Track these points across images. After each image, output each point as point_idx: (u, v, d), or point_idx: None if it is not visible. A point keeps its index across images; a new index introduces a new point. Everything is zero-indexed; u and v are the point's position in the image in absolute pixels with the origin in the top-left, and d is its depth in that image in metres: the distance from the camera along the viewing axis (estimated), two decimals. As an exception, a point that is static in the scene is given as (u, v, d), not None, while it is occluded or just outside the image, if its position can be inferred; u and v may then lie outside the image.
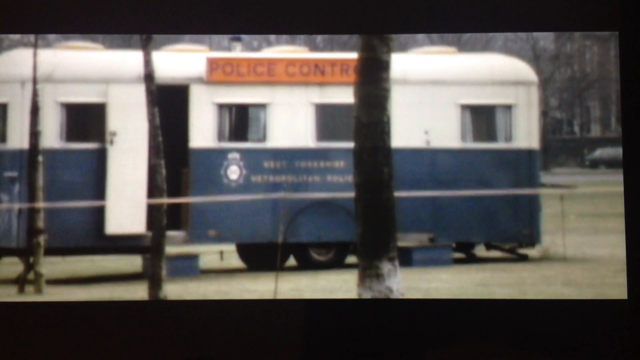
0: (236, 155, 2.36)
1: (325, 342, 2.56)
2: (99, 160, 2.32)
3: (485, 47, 2.30)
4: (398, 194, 2.14)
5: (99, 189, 2.32)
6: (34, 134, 2.29)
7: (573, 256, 2.46)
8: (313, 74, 2.38)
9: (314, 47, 2.43)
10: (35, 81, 2.31)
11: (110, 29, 2.62)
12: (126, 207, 2.33)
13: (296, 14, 2.54)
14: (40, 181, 2.28)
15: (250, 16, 2.56)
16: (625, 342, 2.51)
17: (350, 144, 2.15)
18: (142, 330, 2.51)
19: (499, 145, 2.49)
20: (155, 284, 2.21)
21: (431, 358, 2.56)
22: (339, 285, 2.34)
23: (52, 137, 2.36)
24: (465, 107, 2.46)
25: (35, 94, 2.33)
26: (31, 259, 2.38)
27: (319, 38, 2.40)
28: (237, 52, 2.34)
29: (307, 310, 2.63)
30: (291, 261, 2.47)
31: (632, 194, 2.52)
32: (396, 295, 2.41)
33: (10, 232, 2.34)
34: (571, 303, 2.65)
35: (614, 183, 2.37)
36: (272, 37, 2.43)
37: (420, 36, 2.46)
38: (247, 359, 2.49)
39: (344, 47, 2.39)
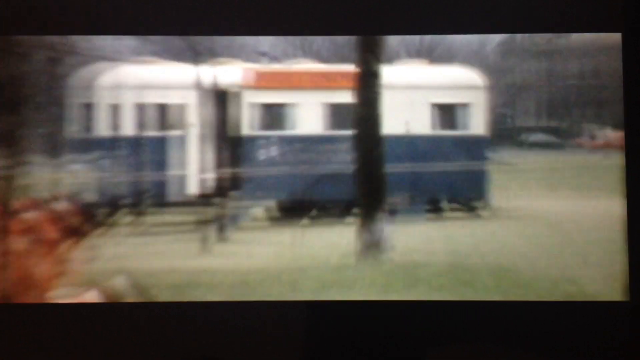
0: (275, 139, 3.05)
1: (325, 344, 2.69)
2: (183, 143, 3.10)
3: (450, 60, 3.04)
4: (387, 167, 2.80)
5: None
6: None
7: (512, 214, 3.03)
8: (325, 82, 3.08)
9: (324, 60, 3.01)
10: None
11: (112, 30, 2.68)
12: (195, 177, 3.10)
13: (294, 15, 2.67)
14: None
15: (255, 17, 2.67)
16: (625, 345, 2.64)
17: (350, 132, 2.79)
18: (143, 331, 2.66)
19: (459, 132, 3.19)
20: (221, 228, 2.86)
21: (431, 359, 2.69)
22: (343, 235, 2.92)
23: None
24: (434, 105, 3.17)
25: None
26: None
27: (326, 53, 3.14)
28: (270, 65, 3.10)
29: (307, 311, 2.73)
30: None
31: (633, 198, 2.66)
32: (385, 246, 2.87)
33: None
34: (571, 304, 2.75)
35: (544, 161, 3.09)
36: (290, 51, 3.02)
37: (402, 51, 3.06)
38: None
39: (346, 60, 3.10)
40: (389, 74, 2.90)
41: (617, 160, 2.70)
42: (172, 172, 3.01)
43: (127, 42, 2.88)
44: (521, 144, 3.12)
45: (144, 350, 2.64)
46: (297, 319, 2.71)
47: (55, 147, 2.94)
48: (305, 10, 2.72)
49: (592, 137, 2.97)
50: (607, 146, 2.81)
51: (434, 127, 3.20)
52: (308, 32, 2.84)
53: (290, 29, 2.73)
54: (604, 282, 2.83)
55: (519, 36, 3.28)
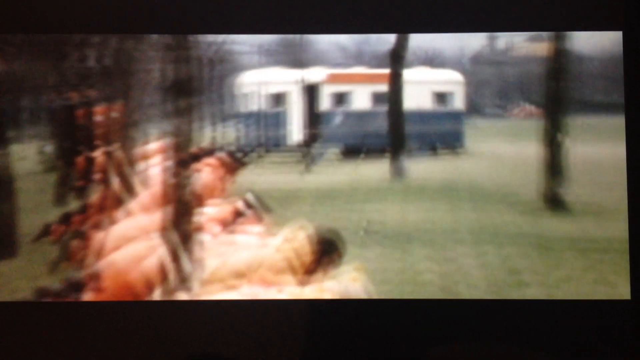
0: (340, 113, 4.17)
1: (327, 343, 2.90)
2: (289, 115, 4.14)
3: (443, 66, 4.10)
4: (406, 128, 3.97)
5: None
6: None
7: (479, 154, 4.21)
8: (370, 79, 4.12)
9: (371, 66, 4.11)
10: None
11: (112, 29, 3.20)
12: (295, 134, 4.18)
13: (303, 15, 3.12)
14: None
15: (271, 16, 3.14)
16: (628, 343, 2.80)
17: (385, 109, 3.97)
18: (144, 329, 2.85)
19: (447, 108, 4.26)
20: (310, 163, 3.97)
21: (431, 357, 2.89)
22: (381, 167, 4.03)
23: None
24: (434, 93, 4.22)
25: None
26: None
27: (372, 63, 4.00)
28: (338, 69, 4.12)
29: (309, 311, 2.94)
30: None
31: (635, 195, 2.91)
32: (405, 173, 4.04)
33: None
34: (573, 302, 2.97)
35: (496, 124, 4.23)
36: (351, 62, 4.08)
37: (415, 60, 4.03)
38: (250, 359, 2.85)
39: (384, 66, 4.04)
40: (408, 74, 3.99)
41: (534, 123, 3.77)
42: (283, 131, 4.18)
43: (256, 57, 4.33)
44: (484, 114, 4.20)
45: (145, 348, 2.87)
46: (299, 317, 2.93)
47: (216, 117, 4.02)
48: (310, 11, 3.14)
49: (522, 110, 4.07)
50: (529, 115, 4.05)
51: (433, 105, 4.35)
52: (310, 32, 3.50)
53: (294, 29, 3.32)
54: (535, 189, 3.72)
55: (485, 50, 4.08)
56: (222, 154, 3.96)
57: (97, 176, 3.80)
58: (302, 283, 3.42)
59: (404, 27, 3.23)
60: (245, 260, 3.49)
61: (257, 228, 3.85)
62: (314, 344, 2.93)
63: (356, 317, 2.96)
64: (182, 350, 2.91)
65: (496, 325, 2.89)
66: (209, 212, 3.71)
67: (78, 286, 3.41)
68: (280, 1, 3.09)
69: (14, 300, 3.22)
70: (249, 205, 3.77)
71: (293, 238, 3.51)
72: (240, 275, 3.45)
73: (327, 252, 3.46)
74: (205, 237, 3.56)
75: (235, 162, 4.08)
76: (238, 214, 3.78)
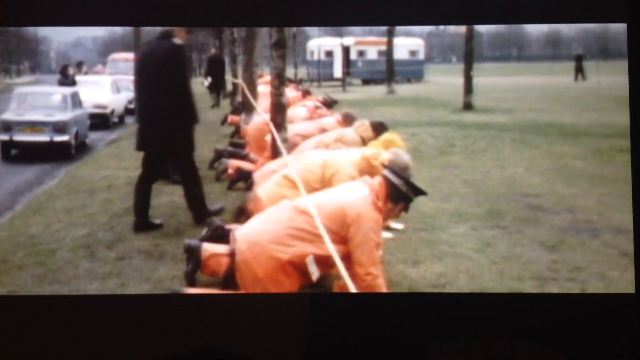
0: (361, 60, 7.59)
1: (330, 336, 2.94)
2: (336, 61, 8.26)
3: (413, 36, 8.52)
4: (396, 68, 8.04)
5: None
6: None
7: (433, 82, 7.97)
8: (377, 43, 7.57)
9: (379, 35, 8.18)
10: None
11: (111, 21, 3.40)
12: (338, 72, 8.43)
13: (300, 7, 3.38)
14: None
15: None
16: (632, 336, 2.80)
17: (384, 58, 7.99)
18: (146, 323, 2.93)
19: (418, 58, 7.74)
20: (345, 86, 7.79)
21: (436, 351, 2.88)
22: (379, 90, 8.09)
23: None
24: (409, 51, 7.65)
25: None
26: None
27: (379, 33, 8.62)
28: (362, 38, 8.41)
29: (312, 304, 3.01)
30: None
31: (638, 191, 3.04)
32: (393, 91, 8.30)
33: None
34: (578, 297, 3.14)
35: (442, 68, 8.41)
36: (367, 32, 8.65)
37: (400, 33, 8.55)
38: (252, 351, 2.85)
39: (382, 34, 8.60)
40: (396, 40, 7.33)
41: (460, 67, 8.09)
42: (331, 70, 7.80)
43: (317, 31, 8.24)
44: (434, 62, 8.34)
45: (147, 341, 2.92)
46: (301, 310, 2.96)
47: (298, 63, 8.29)
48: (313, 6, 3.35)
49: (447, 60, 8.33)
50: (457, 63, 8.47)
51: (409, 57, 7.69)
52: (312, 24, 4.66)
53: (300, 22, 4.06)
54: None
55: (434, 29, 7.61)
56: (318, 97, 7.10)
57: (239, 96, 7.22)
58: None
59: (402, 20, 3.65)
60: (333, 136, 5.14)
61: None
62: (318, 336, 2.83)
63: (358, 310, 2.90)
64: (184, 342, 2.87)
65: (500, 319, 2.84)
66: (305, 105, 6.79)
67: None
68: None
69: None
70: (325, 102, 6.58)
71: (360, 125, 5.17)
72: (327, 144, 5.03)
73: (382, 129, 5.02)
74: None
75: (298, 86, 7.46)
76: (318, 107, 6.43)
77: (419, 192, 3.79)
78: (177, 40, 4.88)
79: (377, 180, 3.80)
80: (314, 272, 3.55)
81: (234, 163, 5.52)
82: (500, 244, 4.53)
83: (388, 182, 3.76)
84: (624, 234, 4.52)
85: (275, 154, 5.39)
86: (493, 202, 5.15)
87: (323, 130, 5.56)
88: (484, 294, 3.44)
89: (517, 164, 5.88)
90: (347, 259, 3.57)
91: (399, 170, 3.77)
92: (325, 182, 4.33)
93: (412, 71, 7.44)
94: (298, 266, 3.57)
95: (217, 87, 7.29)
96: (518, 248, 4.48)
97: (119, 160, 5.83)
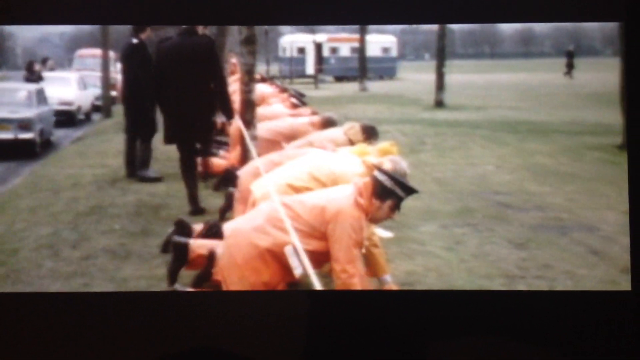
0: (333, 55, 7.43)
1: (328, 333, 2.92)
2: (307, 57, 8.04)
3: (386, 33, 8.54)
4: (368, 65, 8.29)
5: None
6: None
7: (405, 78, 7.91)
8: (351, 40, 7.34)
9: (351, 32, 8.17)
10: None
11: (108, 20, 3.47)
12: (310, 68, 8.57)
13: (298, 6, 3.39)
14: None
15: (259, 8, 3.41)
16: (629, 333, 2.82)
17: (357, 55, 8.19)
18: (146, 321, 2.90)
19: (390, 55, 7.43)
20: (317, 83, 8.30)
21: (433, 350, 2.89)
22: (353, 86, 8.47)
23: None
24: (381, 48, 7.39)
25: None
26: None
27: (351, 30, 8.62)
28: (333, 34, 8.54)
29: (310, 302, 3.01)
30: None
31: (636, 188, 2.91)
32: (367, 89, 8.60)
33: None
34: (574, 294, 3.08)
35: (415, 65, 8.77)
36: (340, 30, 8.65)
37: (373, 30, 8.60)
38: (251, 350, 2.85)
39: (354, 31, 8.50)
40: (369, 37, 7.05)
41: (432, 64, 8.17)
42: (303, 67, 7.75)
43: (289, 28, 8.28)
44: (406, 59, 8.48)
45: (145, 339, 2.90)
46: (299, 308, 2.96)
47: (269, 59, 8.31)
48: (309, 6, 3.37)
49: (420, 57, 8.41)
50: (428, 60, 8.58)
51: (381, 54, 7.37)
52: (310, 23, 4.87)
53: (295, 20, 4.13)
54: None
55: (406, 26, 8.43)
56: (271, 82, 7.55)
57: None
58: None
59: (373, 20, 3.81)
60: (321, 137, 5.10)
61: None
62: (316, 334, 2.81)
63: (357, 308, 2.90)
64: (183, 341, 2.86)
65: (496, 317, 2.83)
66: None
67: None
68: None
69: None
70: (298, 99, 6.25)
71: (350, 128, 5.08)
72: (313, 143, 4.98)
73: (372, 134, 5.02)
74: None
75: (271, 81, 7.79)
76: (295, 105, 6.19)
77: (408, 189, 3.83)
78: (205, 36, 5.11)
79: (365, 180, 3.88)
80: (296, 267, 3.58)
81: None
82: (470, 241, 4.60)
83: (374, 180, 3.82)
84: (593, 231, 4.62)
85: (244, 151, 5.33)
86: (463, 200, 5.14)
87: (300, 129, 5.58)
88: (480, 291, 3.45)
89: (488, 162, 5.91)
90: (328, 255, 3.63)
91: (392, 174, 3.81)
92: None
93: (385, 68, 7.38)
94: (277, 256, 3.63)
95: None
96: (487, 246, 4.54)
97: (84, 158, 5.80)
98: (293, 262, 3.58)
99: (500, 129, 6.67)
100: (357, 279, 3.56)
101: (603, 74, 6.66)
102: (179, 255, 3.87)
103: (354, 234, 3.64)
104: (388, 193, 3.79)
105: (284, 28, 7.45)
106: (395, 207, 3.81)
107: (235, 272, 3.57)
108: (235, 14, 3.47)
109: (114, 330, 3.03)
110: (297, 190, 4.24)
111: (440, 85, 7.22)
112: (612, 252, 4.37)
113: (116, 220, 4.84)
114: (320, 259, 3.66)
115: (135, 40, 5.21)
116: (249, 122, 5.50)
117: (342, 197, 3.75)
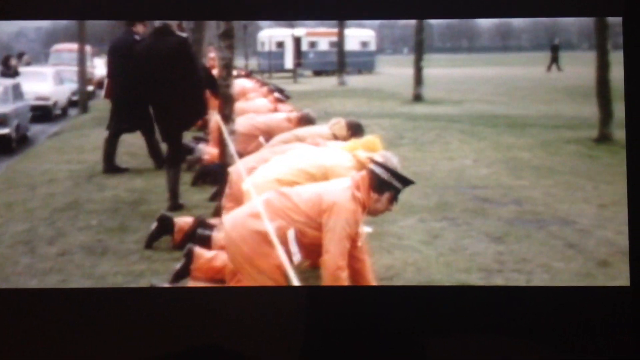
0: (311, 49, 7.39)
1: (327, 329, 2.90)
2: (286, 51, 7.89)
3: (364, 27, 8.52)
4: (346, 59, 8.39)
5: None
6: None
7: (383, 72, 7.90)
8: (329, 34, 7.25)
9: (330, 27, 7.86)
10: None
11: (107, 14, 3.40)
12: (289, 62, 8.64)
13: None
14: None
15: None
16: (627, 329, 2.80)
17: (335, 49, 8.52)
18: (145, 318, 2.87)
19: (369, 49, 7.49)
20: (296, 77, 8.47)
21: (431, 347, 2.88)
22: (331, 80, 8.48)
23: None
24: (360, 42, 7.44)
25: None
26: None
27: (330, 25, 8.53)
28: (312, 29, 8.52)
29: (309, 298, 2.98)
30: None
31: (634, 184, 2.90)
32: (345, 83, 8.53)
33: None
34: (572, 290, 3.05)
35: (392, 59, 8.77)
36: (319, 24, 8.61)
37: (353, 25, 8.56)
38: (250, 346, 2.82)
39: (333, 25, 8.48)
40: (347, 32, 6.98)
41: (411, 57, 8.17)
42: (282, 61, 7.56)
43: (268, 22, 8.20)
44: (385, 53, 8.41)
45: (145, 337, 2.87)
46: (297, 304, 2.93)
47: (248, 53, 8.33)
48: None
49: (398, 51, 8.43)
50: (408, 54, 8.60)
51: (360, 48, 7.42)
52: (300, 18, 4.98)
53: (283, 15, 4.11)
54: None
55: (384, 21, 8.37)
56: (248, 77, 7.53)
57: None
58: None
59: (353, 15, 3.80)
60: (307, 132, 5.08)
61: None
62: (315, 330, 2.79)
63: (355, 304, 2.90)
64: (183, 338, 2.83)
65: (495, 314, 2.84)
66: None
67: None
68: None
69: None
70: (281, 93, 6.17)
71: (336, 123, 5.04)
72: (302, 138, 4.96)
73: (357, 130, 4.98)
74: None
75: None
76: (278, 100, 6.05)
77: (405, 180, 3.86)
78: (178, 37, 5.12)
79: (362, 173, 3.89)
80: (295, 253, 3.60)
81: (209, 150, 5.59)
82: (448, 236, 4.60)
83: (371, 173, 3.83)
84: (569, 225, 4.62)
85: (223, 146, 5.32)
86: (441, 194, 5.17)
87: (277, 125, 5.58)
88: (478, 287, 3.44)
89: (466, 156, 5.94)
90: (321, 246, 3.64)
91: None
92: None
93: (363, 62, 7.40)
94: (280, 239, 3.65)
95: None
96: (465, 240, 4.55)
97: (61, 153, 5.75)
98: (293, 247, 3.62)
99: (478, 123, 6.68)
100: (346, 273, 3.58)
101: (580, 68, 6.76)
102: (163, 226, 4.08)
103: (348, 227, 3.66)
104: (386, 185, 3.82)
105: (262, 22, 7.39)
106: (394, 199, 3.83)
107: (247, 263, 3.60)
108: (213, 8, 3.47)
109: (93, 327, 3.02)
110: (285, 184, 4.25)
111: (418, 79, 7.24)
112: (588, 246, 4.39)
113: (93, 216, 4.81)
114: (318, 250, 3.67)
115: (137, 37, 5.25)
116: (228, 117, 5.44)
117: (339, 189, 3.77)
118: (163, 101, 5.11)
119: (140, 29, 5.27)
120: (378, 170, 3.82)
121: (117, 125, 5.27)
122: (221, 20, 5.03)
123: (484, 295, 3.08)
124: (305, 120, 5.59)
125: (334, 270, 3.53)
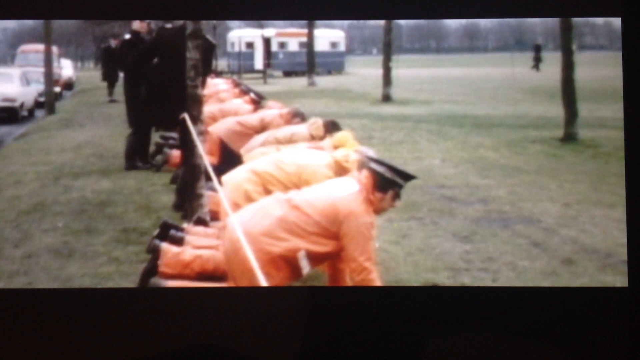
0: (282, 52, 7.34)
1: (326, 330, 2.91)
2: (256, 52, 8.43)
3: (334, 28, 8.57)
4: (317, 60, 8.46)
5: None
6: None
7: (355, 73, 8.38)
8: (299, 35, 7.26)
9: (300, 27, 8.05)
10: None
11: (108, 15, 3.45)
12: (258, 63, 8.67)
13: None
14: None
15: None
16: (625, 330, 2.80)
17: (305, 50, 8.61)
18: (143, 317, 2.88)
19: (338, 49, 7.48)
20: (266, 78, 8.50)
21: (431, 347, 2.89)
22: (301, 81, 8.57)
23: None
24: (330, 42, 7.43)
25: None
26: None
27: (299, 25, 8.66)
28: (282, 29, 8.57)
29: (308, 298, 3.00)
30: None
31: (633, 184, 2.90)
32: (315, 83, 8.57)
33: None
34: (571, 290, 3.05)
35: (362, 59, 8.78)
36: (289, 24, 8.62)
37: (321, 25, 8.62)
38: (249, 347, 2.83)
39: (303, 26, 8.59)
40: (317, 32, 7.03)
41: (379, 58, 8.23)
42: (252, 62, 7.85)
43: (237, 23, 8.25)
44: (354, 54, 8.53)
45: (143, 336, 2.87)
46: (297, 304, 2.93)
47: (217, 54, 8.32)
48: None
49: (367, 52, 8.51)
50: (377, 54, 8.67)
51: (329, 48, 7.40)
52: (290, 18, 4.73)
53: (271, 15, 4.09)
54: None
55: (354, 22, 8.44)
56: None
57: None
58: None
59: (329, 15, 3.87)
60: (286, 132, 5.12)
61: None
62: (314, 330, 2.81)
63: (355, 304, 2.91)
64: (180, 338, 2.85)
65: (495, 314, 2.84)
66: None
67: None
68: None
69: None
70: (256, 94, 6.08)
71: (313, 123, 5.12)
72: (284, 141, 4.97)
73: (333, 129, 5.03)
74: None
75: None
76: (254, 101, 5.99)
77: (406, 176, 3.88)
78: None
79: (364, 174, 3.88)
80: (305, 267, 3.63)
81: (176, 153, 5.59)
82: (416, 235, 4.66)
83: (373, 173, 3.84)
84: (534, 224, 4.67)
85: (191, 147, 5.32)
86: (409, 193, 5.19)
87: (270, 121, 5.66)
88: (478, 288, 3.44)
89: (433, 156, 5.99)
90: (337, 255, 3.70)
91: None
92: (300, 183, 4.41)
93: (333, 63, 7.41)
94: (289, 260, 3.63)
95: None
96: (433, 239, 4.60)
97: (27, 155, 5.72)
98: (303, 263, 3.65)
99: (446, 123, 6.75)
100: (375, 274, 3.62)
101: (545, 68, 6.90)
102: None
103: (367, 230, 3.74)
104: (389, 183, 3.85)
105: (232, 23, 7.43)
106: (397, 195, 3.87)
107: (245, 277, 3.53)
108: (181, 8, 3.49)
109: (105, 328, 3.03)
110: (259, 175, 4.35)
111: (387, 79, 7.33)
112: (553, 244, 4.45)
113: (59, 218, 4.79)
114: (324, 259, 3.73)
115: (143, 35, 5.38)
116: (196, 118, 5.44)
117: (352, 196, 3.80)
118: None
119: (143, 26, 5.41)
120: (380, 169, 3.85)
121: (152, 120, 5.37)
122: (189, 20, 4.93)
123: (475, 295, 3.10)
124: (296, 115, 5.68)
125: (365, 275, 3.60)
